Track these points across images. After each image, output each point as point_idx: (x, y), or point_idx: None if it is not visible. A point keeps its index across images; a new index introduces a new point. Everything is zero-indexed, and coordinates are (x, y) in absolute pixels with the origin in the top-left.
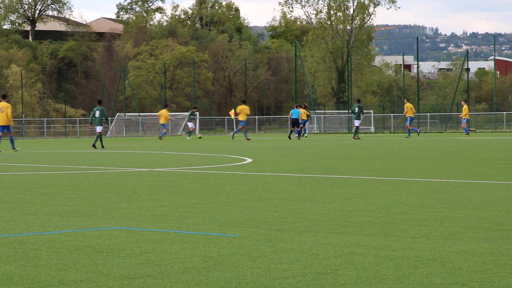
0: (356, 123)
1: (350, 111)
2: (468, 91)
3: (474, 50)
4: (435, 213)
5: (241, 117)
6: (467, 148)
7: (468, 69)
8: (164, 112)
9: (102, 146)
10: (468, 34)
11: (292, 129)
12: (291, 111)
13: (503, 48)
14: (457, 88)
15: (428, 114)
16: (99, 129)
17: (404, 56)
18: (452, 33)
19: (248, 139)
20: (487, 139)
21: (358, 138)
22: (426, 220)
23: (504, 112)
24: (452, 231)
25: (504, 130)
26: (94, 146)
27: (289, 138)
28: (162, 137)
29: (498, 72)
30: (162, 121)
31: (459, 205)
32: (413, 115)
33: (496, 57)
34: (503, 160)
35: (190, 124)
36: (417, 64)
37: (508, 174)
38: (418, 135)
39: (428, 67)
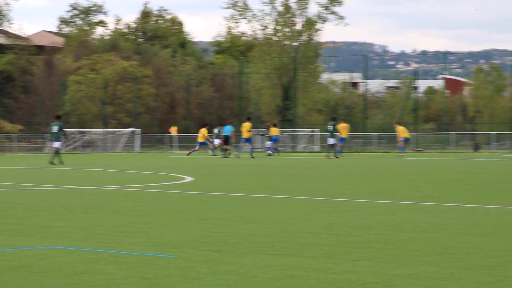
0: (331, 141)
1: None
2: (416, 110)
3: (423, 68)
4: (378, 235)
5: (245, 135)
6: (414, 168)
7: (416, 88)
8: (203, 130)
9: (61, 162)
10: (417, 52)
11: (225, 147)
12: (219, 128)
13: (453, 66)
14: (405, 107)
15: (375, 133)
16: (56, 144)
17: (352, 74)
18: (402, 51)
19: (253, 157)
20: (434, 160)
21: (337, 157)
22: (369, 242)
23: (453, 132)
24: (396, 254)
25: (452, 150)
26: (51, 162)
27: (225, 157)
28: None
29: (447, 91)
30: (200, 139)
31: (403, 228)
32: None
33: (446, 76)
34: (450, 182)
35: (217, 141)
36: (365, 82)
37: (454, 196)
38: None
39: (376, 85)
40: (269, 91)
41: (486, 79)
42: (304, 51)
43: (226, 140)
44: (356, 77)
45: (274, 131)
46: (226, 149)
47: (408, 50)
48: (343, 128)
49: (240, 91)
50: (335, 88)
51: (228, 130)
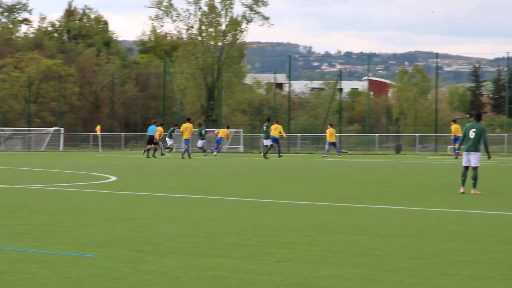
0: (266, 142)
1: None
2: (340, 111)
3: (348, 69)
4: (302, 236)
5: (185, 136)
6: (338, 170)
7: (341, 89)
8: (189, 126)
9: None
10: (342, 53)
11: (149, 146)
12: (172, 129)
13: (377, 68)
14: (329, 108)
15: (299, 134)
16: None
17: (277, 75)
18: (326, 52)
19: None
20: (358, 161)
21: (267, 158)
22: (293, 243)
23: (377, 134)
24: (319, 255)
25: (376, 152)
26: None
27: (148, 156)
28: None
29: (372, 92)
30: (186, 136)
31: (327, 229)
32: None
33: (370, 77)
34: (374, 183)
35: (169, 141)
36: (289, 82)
37: (378, 198)
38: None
39: (300, 86)
40: (193, 91)
41: (411, 81)
42: (229, 51)
43: (150, 140)
44: (281, 77)
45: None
46: (150, 149)
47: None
48: (275, 129)
49: (164, 91)
50: (260, 88)
51: (152, 130)
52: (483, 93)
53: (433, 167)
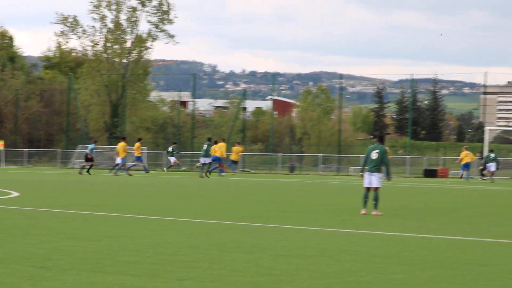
0: (203, 160)
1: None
2: (244, 130)
3: (252, 89)
4: (204, 255)
5: (121, 155)
6: (241, 189)
7: (245, 108)
8: (138, 145)
9: None
10: (247, 72)
11: (85, 164)
12: (173, 147)
13: (282, 88)
14: (233, 127)
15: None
16: None
17: (181, 93)
18: (231, 71)
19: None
20: (261, 180)
21: (205, 176)
22: (195, 262)
23: (280, 154)
24: (220, 274)
25: (279, 171)
26: None
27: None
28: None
29: (275, 112)
30: (122, 155)
31: (228, 248)
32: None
33: (275, 97)
34: (276, 203)
35: (172, 159)
36: (194, 101)
37: (279, 217)
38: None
39: (204, 105)
40: (97, 108)
41: (315, 101)
42: (134, 69)
43: (86, 157)
44: (185, 96)
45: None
46: (84, 166)
47: (238, 70)
48: (214, 150)
49: (68, 107)
50: (164, 106)
51: (89, 148)
52: (387, 114)
53: (335, 187)
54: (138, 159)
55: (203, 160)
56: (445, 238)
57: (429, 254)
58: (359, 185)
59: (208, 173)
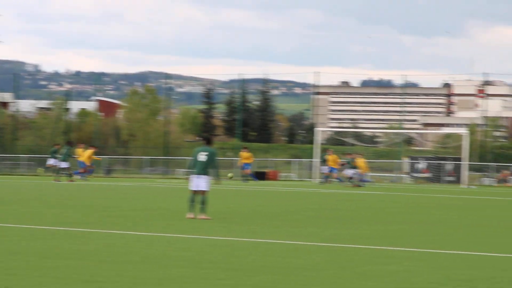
0: (64, 164)
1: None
2: (68, 132)
3: (77, 89)
4: (24, 261)
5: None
6: (62, 193)
7: (69, 109)
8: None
9: None
10: (71, 72)
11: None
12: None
13: (107, 88)
14: (56, 128)
15: (25, 155)
16: None
17: (3, 93)
18: (55, 71)
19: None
20: (83, 184)
21: (59, 181)
22: (14, 269)
23: (106, 156)
24: (40, 282)
25: (105, 175)
26: None
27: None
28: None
29: (101, 113)
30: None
31: (49, 254)
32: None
33: (100, 98)
34: (100, 207)
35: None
36: (16, 102)
37: (103, 222)
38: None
39: (27, 106)
40: None
41: (141, 102)
42: None
43: None
44: (7, 96)
45: None
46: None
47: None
48: (79, 153)
49: None
50: None
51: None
52: (216, 115)
53: (162, 190)
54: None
55: (63, 164)
56: (274, 242)
57: (257, 259)
58: (186, 188)
59: (68, 177)
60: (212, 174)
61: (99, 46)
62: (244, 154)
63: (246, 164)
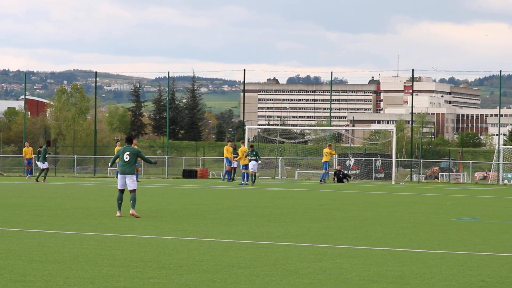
0: (43, 165)
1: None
2: None
3: (5, 88)
4: None
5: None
6: None
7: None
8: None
9: None
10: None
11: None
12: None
13: (35, 87)
14: None
15: None
16: None
17: None
18: None
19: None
20: (15, 184)
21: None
22: None
23: (34, 156)
24: None
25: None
26: None
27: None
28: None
29: (29, 112)
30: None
31: None
32: None
33: (28, 97)
34: (28, 206)
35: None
36: None
37: (33, 221)
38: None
39: None
40: None
41: (69, 100)
42: None
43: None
44: None
45: None
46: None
47: None
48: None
49: None
50: None
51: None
52: (144, 113)
53: (91, 190)
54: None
55: (44, 165)
56: (204, 240)
57: (188, 257)
58: (116, 187)
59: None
60: (149, 166)
61: (25, 44)
62: None
63: None
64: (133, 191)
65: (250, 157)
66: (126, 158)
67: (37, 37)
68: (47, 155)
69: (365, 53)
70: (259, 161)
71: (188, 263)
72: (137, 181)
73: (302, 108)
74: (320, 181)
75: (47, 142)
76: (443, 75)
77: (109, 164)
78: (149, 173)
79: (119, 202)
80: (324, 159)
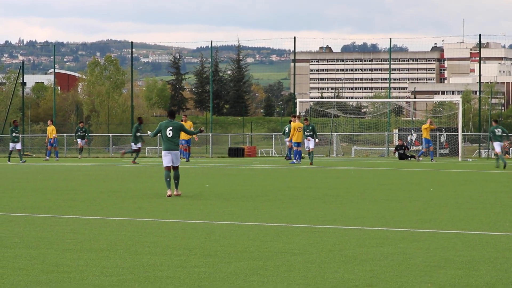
0: (18, 146)
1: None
2: (23, 108)
3: (32, 61)
4: None
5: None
6: (22, 175)
7: (24, 84)
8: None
9: None
10: (24, 42)
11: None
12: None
13: (65, 59)
14: (11, 105)
15: None
16: None
17: None
18: (6, 42)
19: None
20: (44, 165)
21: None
22: None
23: (65, 134)
24: (1, 273)
25: (65, 155)
26: None
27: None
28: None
29: (59, 87)
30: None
31: (8, 243)
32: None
33: (57, 70)
34: (61, 190)
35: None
36: None
37: (66, 207)
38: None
39: None
40: None
41: (103, 74)
42: None
43: None
44: None
45: None
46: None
47: (14, 40)
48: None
49: None
50: None
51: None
52: (185, 87)
53: (129, 171)
54: None
55: (18, 146)
56: (253, 225)
57: (236, 243)
58: (155, 167)
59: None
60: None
61: (51, 13)
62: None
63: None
64: (177, 168)
65: (306, 133)
66: (169, 133)
67: (64, 5)
68: (137, 134)
69: (426, 18)
70: (317, 139)
71: (237, 249)
72: (187, 161)
73: (358, 78)
74: (418, 158)
75: (138, 119)
76: None
77: (150, 134)
78: (193, 153)
79: (168, 180)
80: (424, 135)
